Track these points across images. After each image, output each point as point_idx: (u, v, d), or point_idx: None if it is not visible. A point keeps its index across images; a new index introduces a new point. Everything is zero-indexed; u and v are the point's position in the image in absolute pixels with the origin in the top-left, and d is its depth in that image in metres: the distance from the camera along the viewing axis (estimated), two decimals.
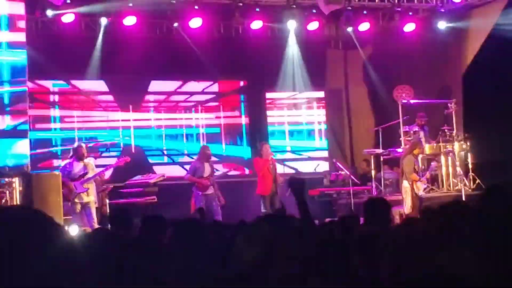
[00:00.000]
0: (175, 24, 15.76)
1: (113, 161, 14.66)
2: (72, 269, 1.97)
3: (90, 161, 12.76)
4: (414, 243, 3.29)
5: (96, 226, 11.92)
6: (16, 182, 12.33)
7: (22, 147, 12.77)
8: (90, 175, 12.41)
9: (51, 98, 16.59)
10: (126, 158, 13.74)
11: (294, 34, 17.09)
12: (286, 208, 12.20)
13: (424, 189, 14.48)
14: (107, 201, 14.02)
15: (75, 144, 13.21)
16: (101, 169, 13.28)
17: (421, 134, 15.84)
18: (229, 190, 14.71)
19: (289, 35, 17.09)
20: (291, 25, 16.58)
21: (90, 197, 12.39)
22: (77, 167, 12.39)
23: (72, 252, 2.03)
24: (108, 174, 14.47)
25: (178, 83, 17.75)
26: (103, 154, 16.58)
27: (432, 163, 15.52)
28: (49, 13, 14.39)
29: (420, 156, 15.10)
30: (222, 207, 13.68)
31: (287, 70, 17.77)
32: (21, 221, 1.97)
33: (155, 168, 16.85)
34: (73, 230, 10.89)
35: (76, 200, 12.18)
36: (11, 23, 12.81)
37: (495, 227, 2.43)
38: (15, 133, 12.74)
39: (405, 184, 14.06)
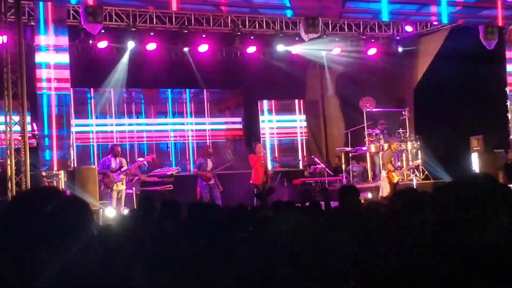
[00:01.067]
0: (186, 49, 15.86)
1: (141, 158, 14.81)
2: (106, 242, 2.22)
3: (123, 158, 13.43)
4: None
5: (123, 208, 12.35)
6: (62, 174, 12.37)
7: (66, 145, 12.40)
8: (124, 168, 13.03)
9: (90, 106, 16.77)
10: (153, 156, 14.10)
11: (282, 55, 16.94)
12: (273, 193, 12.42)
13: (398, 180, 14.70)
14: (133, 188, 13.82)
15: (112, 144, 13.88)
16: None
17: (381, 136, 16.09)
18: (229, 180, 14.76)
19: (277, 56, 16.98)
20: (279, 48, 16.63)
21: (124, 185, 12.97)
22: (114, 162, 12.96)
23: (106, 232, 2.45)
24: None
25: (190, 94, 17.92)
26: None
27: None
28: (90, 41, 14.76)
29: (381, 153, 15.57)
30: (221, 193, 13.84)
31: (276, 83, 17.64)
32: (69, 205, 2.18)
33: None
34: (110, 212, 11.72)
35: (114, 188, 12.73)
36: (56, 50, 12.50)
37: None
38: (60, 135, 12.28)
39: (383, 173, 14.43)
